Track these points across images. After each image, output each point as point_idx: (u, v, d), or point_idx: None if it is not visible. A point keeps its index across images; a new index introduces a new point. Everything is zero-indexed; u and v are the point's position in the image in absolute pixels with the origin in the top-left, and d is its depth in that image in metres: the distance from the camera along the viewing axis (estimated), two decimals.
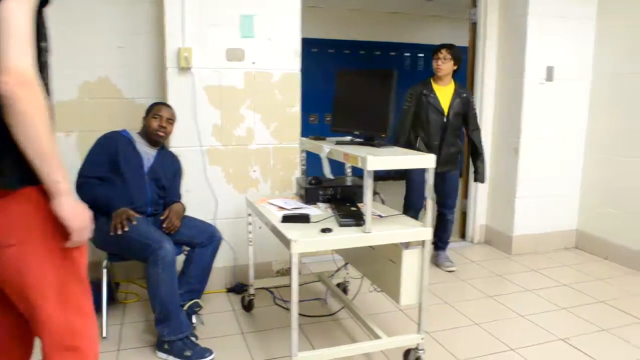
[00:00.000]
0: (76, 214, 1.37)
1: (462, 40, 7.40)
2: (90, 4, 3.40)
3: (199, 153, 3.40)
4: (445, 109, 3.84)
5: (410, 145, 3.84)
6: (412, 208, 3.93)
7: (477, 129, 3.99)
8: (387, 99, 2.61)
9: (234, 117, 3.46)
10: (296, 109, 3.60)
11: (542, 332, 3.04)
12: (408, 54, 7.97)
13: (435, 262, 4.13)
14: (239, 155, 3.51)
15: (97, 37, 3.44)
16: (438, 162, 3.35)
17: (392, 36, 7.81)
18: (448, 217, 4.10)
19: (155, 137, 3.00)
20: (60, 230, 1.37)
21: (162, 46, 3.40)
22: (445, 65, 3.80)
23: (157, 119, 2.98)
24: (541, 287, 3.75)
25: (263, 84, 3.49)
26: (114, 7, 3.46)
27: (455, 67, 3.86)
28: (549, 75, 4.30)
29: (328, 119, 7.20)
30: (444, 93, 3.87)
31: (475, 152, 3.99)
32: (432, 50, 3.88)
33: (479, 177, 4.01)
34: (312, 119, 7.20)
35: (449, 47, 3.84)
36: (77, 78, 3.42)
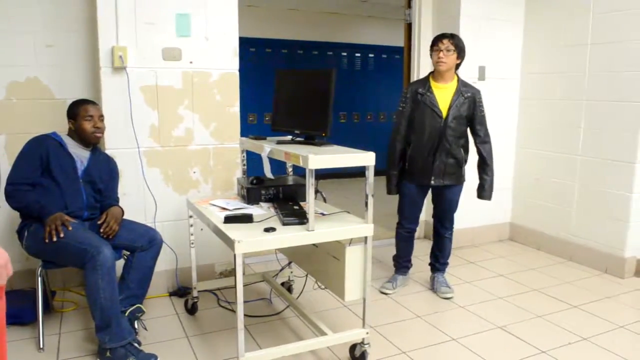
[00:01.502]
0: None
1: (397, 41, 7.58)
2: (18, 1, 3.25)
3: (136, 155, 3.31)
4: (444, 110, 3.29)
5: (402, 159, 3.44)
6: (404, 223, 3.57)
7: (487, 142, 3.41)
8: (326, 98, 2.63)
9: (172, 118, 3.39)
10: (235, 108, 3.57)
11: (481, 321, 3.15)
12: (345, 54, 8.06)
13: (432, 287, 3.64)
14: (178, 156, 3.44)
15: (24, 35, 3.28)
16: (431, 174, 3.33)
17: (329, 36, 7.90)
18: (445, 235, 3.60)
19: (94, 138, 2.90)
20: None
21: (94, 45, 3.30)
22: (448, 58, 3.25)
23: (90, 120, 2.87)
24: (478, 278, 3.89)
25: (201, 84, 3.44)
26: (42, 3, 3.31)
27: (459, 61, 3.34)
28: (481, 74, 4.46)
29: (267, 118, 7.20)
30: (444, 92, 3.32)
31: (483, 164, 3.44)
32: (432, 41, 3.35)
33: (484, 194, 3.46)
34: (251, 118, 7.17)
35: (451, 37, 3.29)
36: (4, 78, 3.26)
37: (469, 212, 4.43)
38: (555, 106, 4.38)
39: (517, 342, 2.89)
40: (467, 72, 4.34)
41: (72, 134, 2.93)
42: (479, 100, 3.37)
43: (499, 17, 4.48)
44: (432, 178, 3.38)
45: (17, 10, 3.26)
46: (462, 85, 3.36)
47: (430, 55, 3.38)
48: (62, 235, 2.56)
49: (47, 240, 2.55)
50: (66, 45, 3.40)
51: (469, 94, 3.33)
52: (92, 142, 2.92)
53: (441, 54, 3.26)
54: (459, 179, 3.46)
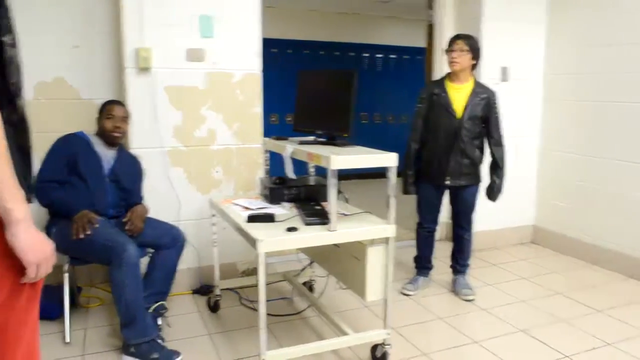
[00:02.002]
0: (33, 246, 1.19)
1: (418, 41, 7.55)
2: (45, 2, 3.32)
3: (160, 154, 3.36)
4: (459, 111, 3.30)
5: (419, 152, 3.47)
6: (423, 223, 3.61)
7: (500, 144, 3.40)
8: (348, 99, 2.64)
9: (195, 118, 3.43)
10: (258, 109, 3.60)
11: (503, 324, 3.13)
12: (366, 55, 8.06)
13: (453, 288, 3.63)
14: (201, 156, 3.49)
15: (52, 36, 3.35)
16: (446, 174, 3.35)
17: (351, 37, 7.90)
18: (464, 236, 3.58)
19: (112, 138, 2.95)
20: (15, 263, 1.20)
21: (120, 46, 3.35)
22: (461, 58, 3.28)
23: (111, 119, 2.93)
24: (501, 281, 3.86)
25: (224, 85, 3.48)
26: (69, 5, 3.38)
27: (474, 62, 3.34)
28: (504, 75, 4.43)
29: (289, 119, 7.22)
30: (459, 92, 3.34)
31: (495, 166, 3.43)
32: (448, 42, 3.38)
33: (492, 195, 3.46)
34: (273, 119, 7.20)
35: (465, 38, 3.32)
36: (32, 78, 3.33)
37: (491, 214, 4.40)
38: (580, 107, 4.32)
39: (539, 346, 2.86)
40: (490, 73, 4.32)
41: (98, 132, 2.99)
42: (494, 101, 3.37)
43: (521, 17, 4.44)
44: (448, 178, 3.39)
45: (45, 11, 3.33)
46: (478, 86, 3.37)
47: (447, 56, 3.39)
48: (88, 232, 2.61)
49: (73, 237, 2.60)
50: (92, 46, 3.46)
51: (484, 95, 3.34)
52: (110, 141, 2.96)
53: (454, 55, 3.28)
54: (475, 180, 3.47)
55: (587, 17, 4.23)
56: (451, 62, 3.31)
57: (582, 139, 4.33)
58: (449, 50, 3.33)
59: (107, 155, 2.96)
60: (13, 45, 1.24)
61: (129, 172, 3.05)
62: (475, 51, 3.32)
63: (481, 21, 4.29)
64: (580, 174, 4.37)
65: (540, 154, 4.74)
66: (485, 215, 4.40)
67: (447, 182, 3.40)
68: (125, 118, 2.99)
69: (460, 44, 3.28)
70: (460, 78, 3.35)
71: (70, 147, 2.85)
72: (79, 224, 2.63)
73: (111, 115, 2.93)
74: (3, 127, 1.15)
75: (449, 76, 3.42)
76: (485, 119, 3.36)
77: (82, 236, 2.60)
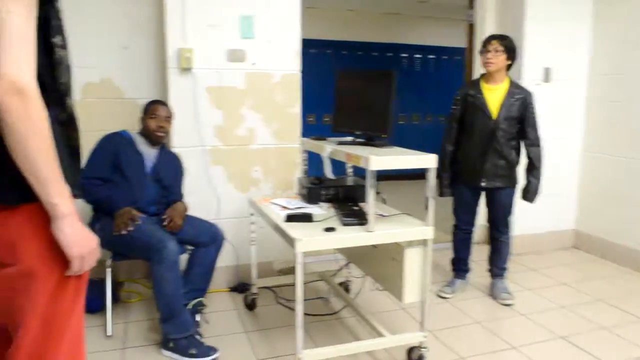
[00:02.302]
0: (77, 240, 1.23)
1: (457, 42, 7.46)
2: (93, 4, 3.42)
3: (200, 153, 3.42)
4: (494, 112, 3.28)
5: (454, 154, 3.47)
6: (460, 225, 3.59)
7: (537, 145, 3.33)
8: (387, 99, 2.64)
9: (235, 118, 3.48)
10: (296, 109, 3.62)
11: (542, 330, 3.08)
12: (405, 55, 8.02)
13: (491, 292, 3.57)
14: (241, 155, 3.53)
15: (99, 38, 3.45)
16: (481, 175, 3.33)
17: (389, 37, 7.87)
18: (501, 239, 3.52)
19: (155, 137, 3.00)
20: (61, 256, 1.24)
21: (163, 47, 3.42)
22: (496, 59, 3.25)
23: (155, 119, 2.98)
24: (540, 286, 3.78)
25: (264, 85, 3.51)
26: (115, 8, 3.47)
27: (509, 62, 3.32)
28: (546, 76, 4.34)
29: (326, 119, 7.25)
30: (494, 93, 3.31)
31: (531, 166, 3.36)
32: (483, 42, 3.36)
33: (528, 196, 3.38)
34: (310, 119, 7.22)
35: (501, 38, 3.30)
36: (81, 79, 3.43)
37: (531, 218, 4.33)
38: (626, 109, 4.20)
39: (579, 354, 2.80)
40: (531, 74, 4.26)
41: (141, 131, 3.05)
42: (530, 102, 3.32)
43: (565, 16, 4.34)
44: (483, 180, 3.35)
45: (92, 15, 3.42)
46: (514, 87, 3.33)
47: (481, 57, 3.37)
48: (130, 229, 2.67)
49: (115, 233, 2.67)
50: (136, 47, 3.55)
51: (519, 96, 3.30)
52: (153, 140, 3.01)
53: (489, 55, 3.26)
54: (511, 181, 3.41)
55: (634, 15, 4.10)
56: (486, 63, 3.29)
57: (626, 141, 4.21)
58: (484, 51, 3.31)
59: (149, 154, 3.02)
60: (63, 46, 1.29)
61: (170, 170, 3.11)
62: (510, 51, 3.28)
63: (524, 21, 4.21)
64: (624, 177, 4.24)
65: (583, 157, 4.62)
66: (525, 219, 4.32)
67: (483, 184, 3.36)
68: (168, 118, 3.05)
69: (495, 44, 3.26)
70: (496, 79, 3.33)
71: (114, 146, 2.92)
72: (121, 220, 2.69)
73: (155, 115, 2.99)
74: (52, 126, 1.19)
75: (484, 77, 3.40)
76: (521, 119, 3.31)
77: (124, 232, 2.67)
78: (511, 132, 3.31)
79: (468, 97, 3.37)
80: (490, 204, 3.51)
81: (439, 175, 3.44)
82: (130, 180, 2.90)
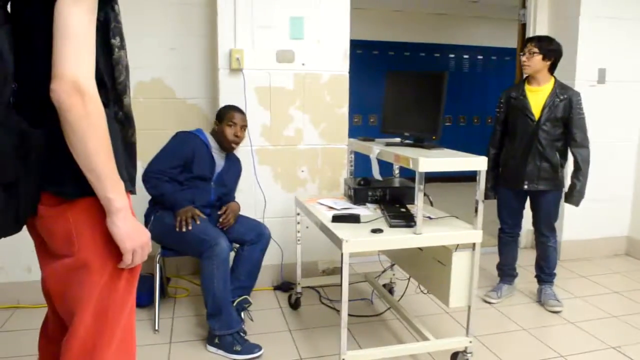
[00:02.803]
0: (130, 235, 1.27)
1: (506, 42, 7.33)
2: (145, 5, 3.50)
3: (248, 153, 3.46)
4: (537, 113, 3.23)
5: (498, 157, 3.47)
6: (505, 228, 3.54)
7: (584, 146, 3.23)
8: (438, 100, 2.61)
9: (283, 118, 3.51)
10: (344, 110, 3.63)
11: (592, 339, 2.99)
12: (452, 56, 7.92)
13: (539, 299, 3.50)
14: (288, 155, 3.56)
15: (151, 39, 3.53)
16: (524, 178, 3.28)
17: (437, 37, 7.78)
18: (547, 244, 3.43)
19: (230, 146, 3.04)
20: (115, 249, 1.28)
21: (213, 48, 3.48)
22: (531, 61, 3.23)
23: (232, 127, 3.00)
24: (591, 294, 3.68)
25: (312, 85, 3.53)
26: (166, 8, 3.55)
27: (548, 63, 3.25)
28: (601, 77, 4.21)
29: (372, 120, 7.24)
30: (537, 95, 3.28)
31: (576, 168, 3.26)
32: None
33: (572, 199, 3.27)
34: (356, 120, 7.22)
35: (537, 40, 3.29)
36: (133, 79, 3.50)
37: (582, 223, 4.21)
38: None
39: None
40: (586, 75, 4.15)
41: (214, 134, 3.07)
42: (577, 102, 3.23)
43: (623, 15, 4.20)
44: (526, 182, 3.29)
45: (144, 16, 3.51)
46: (559, 87, 3.26)
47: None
48: (190, 227, 2.73)
49: (177, 230, 2.72)
50: (187, 47, 3.62)
51: (564, 96, 3.22)
52: (226, 147, 3.05)
53: (524, 58, 3.27)
54: (556, 185, 3.32)
55: None
56: (522, 66, 3.31)
57: None
58: (521, 54, 3.32)
59: (219, 160, 3.07)
60: (121, 47, 1.33)
61: (233, 175, 3.17)
62: (547, 52, 3.22)
63: (578, 20, 4.09)
64: None
65: (638, 160, 4.46)
66: (575, 224, 4.22)
67: (525, 186, 3.30)
68: (244, 127, 3.07)
69: (529, 47, 3.25)
70: (539, 80, 3.29)
71: (189, 148, 2.94)
72: (183, 217, 2.75)
73: (233, 122, 3.01)
74: (110, 124, 1.24)
75: (527, 79, 3.37)
76: (566, 121, 3.23)
77: (184, 230, 2.72)
78: (554, 133, 3.25)
79: (511, 99, 3.36)
80: (534, 208, 3.45)
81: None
82: (197, 185, 2.96)
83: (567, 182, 3.36)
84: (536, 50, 3.22)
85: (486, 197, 3.39)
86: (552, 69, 3.30)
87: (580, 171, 3.25)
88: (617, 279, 4.01)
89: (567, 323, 3.20)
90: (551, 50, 3.25)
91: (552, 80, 3.30)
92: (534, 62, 3.24)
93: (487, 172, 3.34)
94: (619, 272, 4.17)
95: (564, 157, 3.33)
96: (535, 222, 3.48)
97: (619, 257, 4.54)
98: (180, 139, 2.98)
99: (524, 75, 3.41)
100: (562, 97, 3.22)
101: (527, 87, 3.34)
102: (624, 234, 4.58)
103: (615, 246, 4.57)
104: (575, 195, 3.28)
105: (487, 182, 3.38)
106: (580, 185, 3.26)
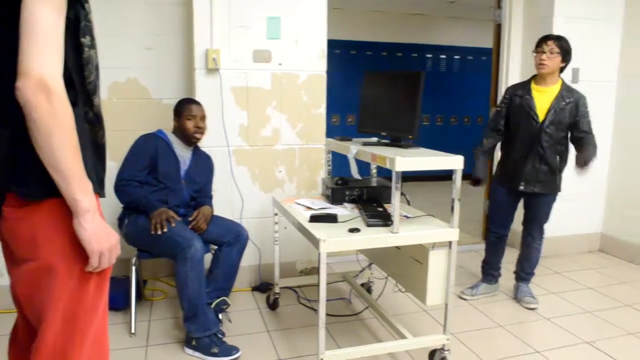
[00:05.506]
0: (97, 237, 1.24)
1: (483, 42, 7.40)
2: (120, 5, 3.46)
3: (225, 153, 3.44)
4: (541, 115, 3.16)
5: (491, 151, 3.47)
6: (492, 227, 3.54)
7: (590, 132, 3.23)
8: (414, 100, 2.62)
9: (260, 118, 3.49)
10: (322, 109, 3.63)
11: (567, 335, 3.03)
12: (429, 56, 7.97)
13: (515, 295, 3.54)
14: (265, 156, 3.54)
15: (127, 38, 3.49)
16: (520, 179, 3.26)
17: (414, 37, 7.83)
18: (533, 244, 3.45)
19: (194, 138, 3.03)
20: (83, 252, 1.25)
21: (190, 47, 3.45)
22: (550, 61, 3.12)
23: (192, 120, 2.99)
24: (565, 290, 3.73)
25: (289, 85, 3.52)
26: (143, 8, 3.51)
27: (563, 64, 3.19)
28: (575, 77, 4.27)
29: (350, 119, 7.25)
30: (544, 95, 3.19)
31: (579, 141, 3.21)
32: (537, 42, 3.22)
33: (581, 160, 3.14)
34: (334, 119, 7.23)
35: (557, 39, 3.15)
36: (107, 79, 3.47)
37: (557, 221, 4.25)
38: None
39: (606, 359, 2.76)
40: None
41: (175, 131, 3.06)
42: (583, 105, 3.20)
43: (595, 16, 4.28)
44: (522, 184, 3.28)
45: (119, 16, 3.46)
46: (565, 90, 3.20)
47: (534, 57, 3.25)
48: (165, 230, 2.70)
49: (152, 233, 2.69)
50: (163, 47, 3.58)
51: (571, 99, 3.17)
52: (192, 141, 3.04)
53: (544, 57, 3.13)
54: (551, 188, 3.29)
55: None
56: (539, 64, 3.16)
57: None
58: (539, 51, 3.18)
59: (184, 157, 3.04)
60: (91, 46, 1.31)
61: (203, 172, 3.14)
62: (566, 53, 3.15)
63: (552, 20, 4.15)
64: None
65: (611, 159, 4.55)
66: (550, 222, 4.26)
67: (521, 188, 3.28)
68: (203, 117, 3.06)
69: (551, 45, 3.12)
70: (547, 81, 3.22)
71: (152, 148, 2.93)
72: (157, 220, 2.72)
73: (192, 115, 2.99)
74: (79, 124, 1.22)
75: (535, 78, 3.29)
76: (571, 125, 3.19)
77: (160, 232, 2.69)
78: (558, 137, 3.19)
79: (515, 97, 3.26)
80: (527, 209, 3.44)
81: (476, 156, 3.36)
82: (165, 184, 2.93)
83: (563, 186, 3.35)
84: (558, 50, 3.12)
85: (480, 181, 3.36)
86: (561, 71, 3.25)
87: (587, 137, 3.17)
88: (591, 275, 4.08)
89: (542, 319, 3.25)
90: (569, 52, 3.18)
91: (560, 81, 3.24)
92: (555, 62, 3.14)
93: (483, 152, 3.33)
94: (593, 268, 4.24)
95: (564, 161, 3.29)
96: (525, 223, 3.48)
97: (593, 253, 4.62)
98: (142, 141, 2.96)
99: (533, 74, 3.35)
100: (568, 100, 3.16)
101: (533, 87, 3.25)
102: (598, 231, 4.66)
103: (590, 243, 4.65)
104: (585, 156, 3.14)
105: (480, 159, 3.35)
106: (590, 146, 3.16)
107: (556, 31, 4.09)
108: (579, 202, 4.45)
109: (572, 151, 3.32)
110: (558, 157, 3.25)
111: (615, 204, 4.53)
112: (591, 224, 4.63)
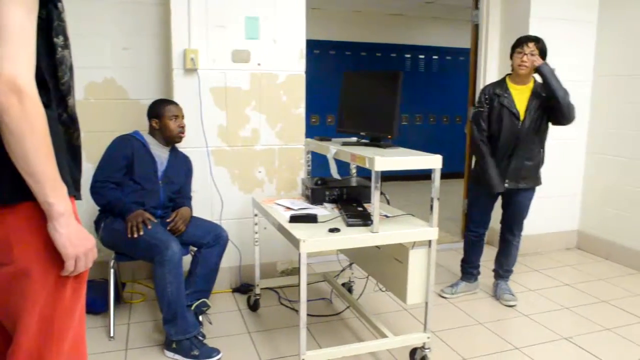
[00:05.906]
0: (73, 241, 1.22)
1: (461, 42, 7.46)
2: (97, 4, 3.42)
3: (204, 154, 3.42)
4: (522, 112, 3.26)
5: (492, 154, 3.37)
6: (472, 227, 3.57)
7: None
8: (393, 100, 2.64)
9: (239, 118, 3.48)
10: (301, 110, 3.62)
11: (545, 331, 3.07)
12: (408, 56, 8.01)
13: (495, 293, 3.58)
14: (245, 156, 3.53)
15: (103, 38, 3.45)
16: (505, 177, 3.28)
17: (393, 38, 7.87)
18: (512, 242, 3.52)
19: (178, 138, 3.01)
20: (58, 256, 1.23)
21: (167, 47, 3.42)
22: (531, 62, 3.21)
23: (175, 120, 2.97)
24: (544, 287, 3.78)
25: (268, 86, 3.51)
26: (119, 8, 3.47)
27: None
28: None
29: (329, 120, 7.25)
30: (521, 93, 3.29)
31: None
32: (513, 45, 3.30)
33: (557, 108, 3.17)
34: (313, 120, 7.24)
35: (537, 41, 3.23)
36: (84, 79, 3.43)
37: (535, 218, 4.30)
38: (630, 110, 4.19)
39: (583, 355, 2.79)
40: (536, 75, 4.22)
41: (153, 132, 3.02)
42: None
43: (570, 17, 4.34)
44: (507, 181, 3.31)
45: (96, 15, 3.42)
46: (539, 87, 3.29)
47: (511, 56, 3.31)
48: (141, 232, 2.67)
49: (129, 236, 2.66)
50: (141, 47, 3.55)
51: (544, 95, 3.24)
52: (176, 141, 3.02)
53: (525, 58, 3.20)
54: (534, 182, 3.38)
55: (639, 16, 4.10)
56: (520, 66, 3.22)
57: (630, 142, 4.20)
58: (519, 52, 3.24)
59: (161, 157, 3.00)
60: (65, 46, 1.28)
61: (181, 173, 3.10)
62: (544, 55, 3.24)
63: (529, 21, 4.20)
64: (627, 178, 4.24)
65: (587, 158, 4.62)
66: (528, 220, 4.30)
67: (506, 185, 3.31)
68: (183, 116, 3.04)
69: (532, 47, 3.20)
70: (524, 79, 3.30)
71: (127, 149, 2.89)
72: (133, 222, 2.69)
73: (174, 115, 2.97)
74: (53, 126, 1.19)
75: (511, 76, 3.35)
76: (546, 110, 3.25)
77: (136, 235, 2.66)
78: (539, 129, 3.29)
79: (495, 96, 3.31)
80: (507, 206, 3.48)
81: (487, 175, 3.31)
82: (142, 185, 2.90)
83: (544, 179, 3.42)
84: (538, 52, 3.20)
85: (496, 188, 3.31)
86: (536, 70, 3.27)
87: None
88: (568, 271, 4.14)
89: (521, 316, 3.28)
90: (546, 53, 3.25)
91: (533, 79, 3.34)
92: (535, 62, 3.21)
93: (490, 167, 3.29)
94: (570, 265, 4.30)
95: (543, 150, 3.36)
96: (505, 220, 3.52)
97: (571, 250, 4.68)
98: (117, 142, 2.92)
99: (507, 73, 3.41)
100: (543, 96, 3.24)
101: (510, 85, 3.32)
102: (575, 229, 4.72)
103: (567, 240, 4.72)
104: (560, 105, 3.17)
105: (494, 176, 3.30)
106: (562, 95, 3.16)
107: (532, 31, 4.14)
108: (556, 200, 4.51)
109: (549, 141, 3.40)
110: (537, 149, 3.32)
111: (591, 202, 4.60)
112: (568, 222, 4.69)
